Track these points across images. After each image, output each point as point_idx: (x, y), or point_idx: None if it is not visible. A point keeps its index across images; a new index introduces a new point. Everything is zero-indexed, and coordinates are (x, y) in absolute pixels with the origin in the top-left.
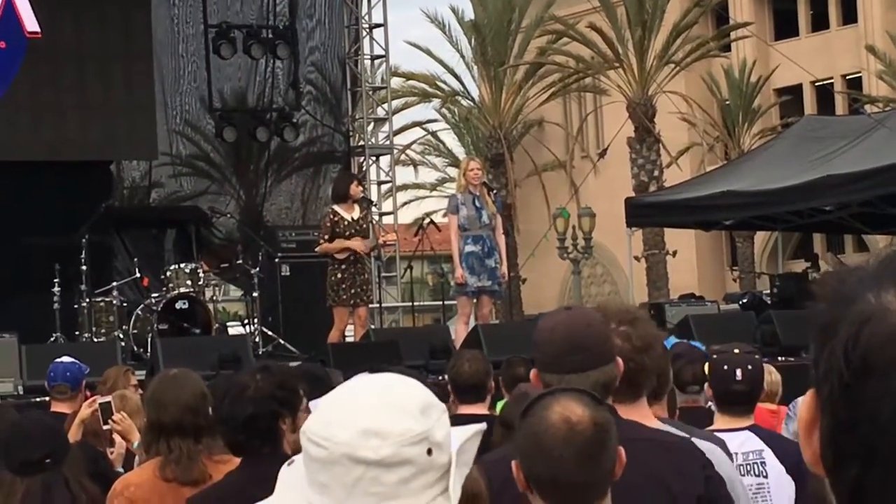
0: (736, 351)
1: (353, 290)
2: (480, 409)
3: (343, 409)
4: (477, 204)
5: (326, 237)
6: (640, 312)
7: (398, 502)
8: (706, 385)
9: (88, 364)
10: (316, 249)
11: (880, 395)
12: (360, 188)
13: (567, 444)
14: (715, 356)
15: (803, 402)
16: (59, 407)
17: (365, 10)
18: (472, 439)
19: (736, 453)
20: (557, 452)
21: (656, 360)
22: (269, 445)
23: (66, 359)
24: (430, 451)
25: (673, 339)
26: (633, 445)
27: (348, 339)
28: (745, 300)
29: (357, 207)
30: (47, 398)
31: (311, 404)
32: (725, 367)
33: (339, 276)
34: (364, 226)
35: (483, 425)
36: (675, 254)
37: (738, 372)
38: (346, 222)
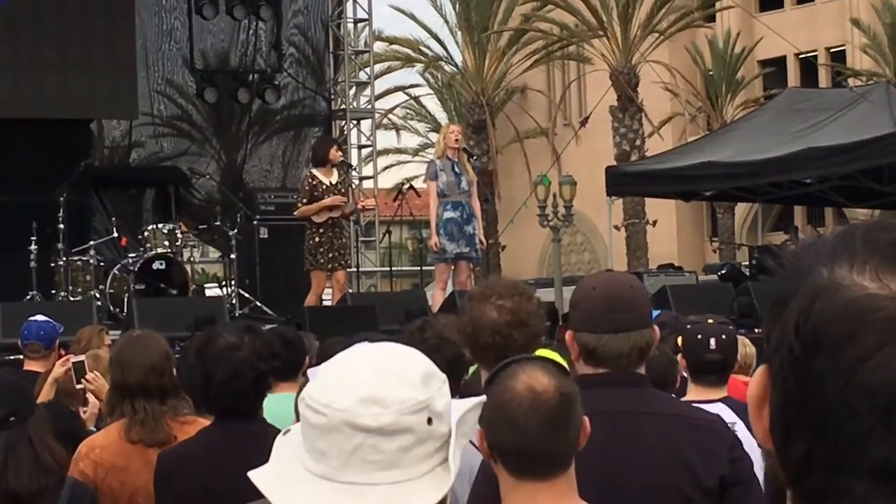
0: (710, 321)
1: (330, 255)
2: None
3: (343, 376)
4: (456, 170)
5: (305, 200)
6: (523, 289)
7: (397, 471)
8: (679, 355)
9: (63, 323)
10: (294, 213)
11: (829, 369)
12: (340, 153)
13: (532, 412)
14: (689, 326)
15: (754, 378)
16: (32, 365)
17: None
18: (472, 410)
19: None
20: (522, 421)
21: (528, 336)
22: (250, 405)
23: (39, 317)
24: (430, 421)
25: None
26: (660, 420)
27: (326, 304)
28: (723, 271)
29: (336, 172)
30: (21, 356)
31: (311, 371)
32: (699, 336)
33: (317, 239)
34: (343, 190)
35: (482, 398)
36: (655, 223)
37: (712, 341)
38: (324, 186)
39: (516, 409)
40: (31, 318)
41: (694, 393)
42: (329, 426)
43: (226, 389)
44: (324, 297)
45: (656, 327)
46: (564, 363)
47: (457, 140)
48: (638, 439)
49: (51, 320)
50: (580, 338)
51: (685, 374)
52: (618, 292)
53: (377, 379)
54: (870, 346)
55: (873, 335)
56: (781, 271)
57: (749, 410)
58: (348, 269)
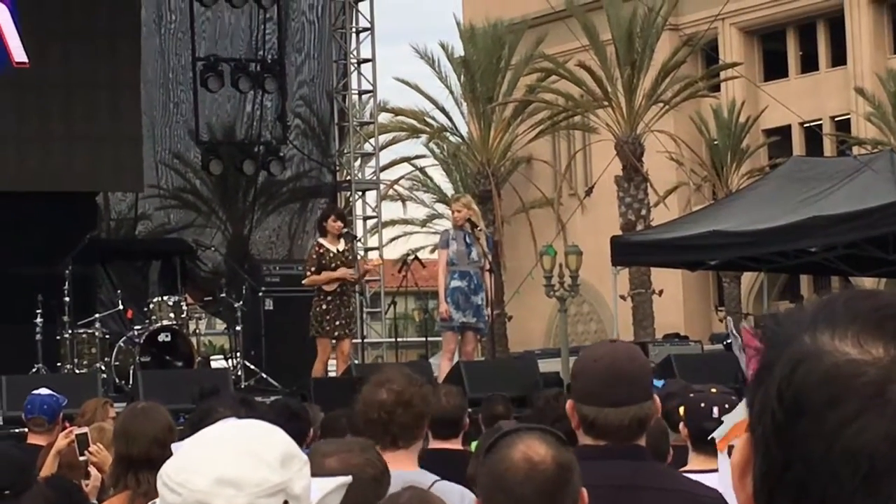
0: (713, 390)
1: (337, 322)
2: (454, 444)
3: (201, 455)
4: (468, 240)
5: (313, 269)
6: (415, 378)
7: None
8: (681, 425)
9: (69, 395)
10: (303, 282)
11: (812, 434)
12: (338, 223)
13: (528, 482)
14: (691, 395)
15: (737, 445)
16: (35, 439)
17: (353, 45)
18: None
19: None
20: (518, 491)
21: (411, 417)
22: None
23: (43, 391)
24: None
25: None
26: (661, 495)
27: (331, 373)
28: (728, 341)
29: (342, 240)
30: (25, 429)
31: (173, 447)
32: (702, 404)
33: (325, 307)
34: (349, 257)
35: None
36: (661, 293)
37: (715, 410)
38: (331, 254)
39: (512, 478)
40: (35, 392)
41: (695, 462)
42: None
43: None
44: (329, 366)
45: (657, 398)
46: None
47: (458, 217)
48: None
49: (54, 393)
50: (580, 409)
51: (688, 444)
52: (618, 365)
53: (234, 460)
54: (851, 411)
55: (855, 400)
56: (764, 340)
57: (733, 478)
58: (353, 340)
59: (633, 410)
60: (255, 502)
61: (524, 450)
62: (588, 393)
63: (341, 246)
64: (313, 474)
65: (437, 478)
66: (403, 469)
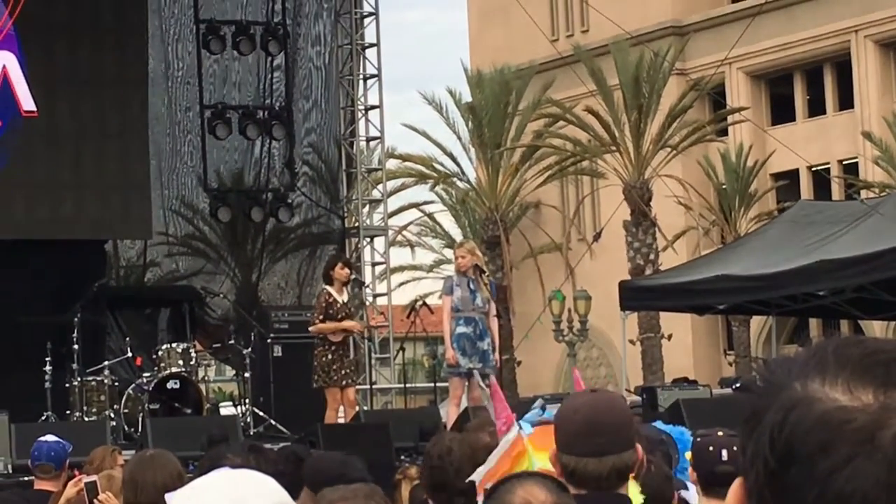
0: (720, 433)
1: (343, 371)
2: None
3: None
4: (471, 287)
5: (321, 317)
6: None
7: None
8: (689, 469)
9: (77, 443)
10: (310, 329)
11: (804, 481)
12: (346, 270)
13: None
14: (698, 439)
15: (731, 490)
16: (42, 485)
17: (361, 91)
18: None
19: None
20: None
21: None
22: None
23: (50, 437)
24: None
25: (660, 425)
26: None
27: (340, 420)
28: (737, 384)
29: (345, 290)
30: (32, 477)
31: (167, 496)
32: (710, 448)
33: (330, 356)
34: (351, 309)
35: None
36: (670, 337)
37: (724, 452)
38: (338, 304)
39: None
40: (41, 439)
41: None
42: None
43: None
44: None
45: (639, 448)
46: None
47: (462, 263)
48: None
49: (61, 440)
50: (561, 458)
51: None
52: (598, 416)
53: None
54: (842, 456)
55: (846, 446)
56: (755, 387)
57: None
58: (360, 386)
59: (612, 460)
60: None
61: (524, 496)
62: (568, 443)
63: (345, 297)
64: None
65: None
66: None
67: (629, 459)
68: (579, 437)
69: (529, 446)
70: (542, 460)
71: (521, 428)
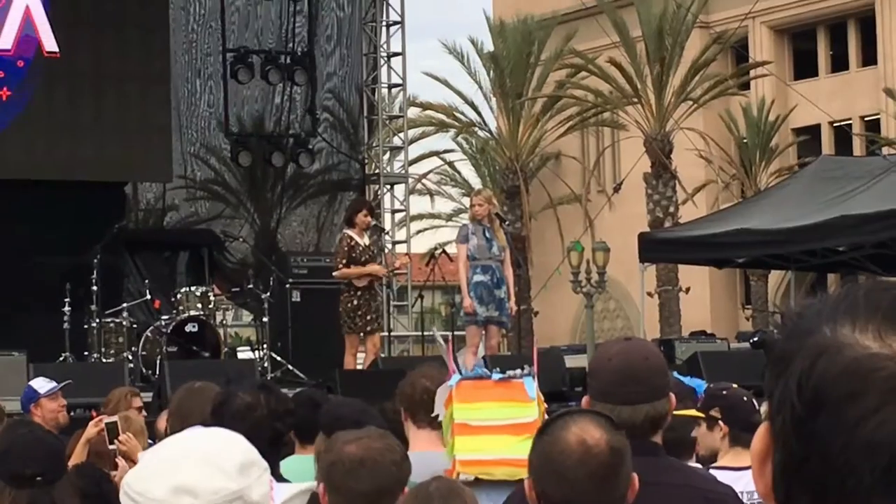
0: (734, 386)
1: (368, 317)
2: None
3: (160, 464)
4: (487, 235)
5: (344, 261)
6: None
7: None
8: (719, 423)
9: (96, 384)
10: (334, 274)
11: (831, 428)
12: (368, 218)
13: (581, 465)
14: (725, 392)
15: (756, 435)
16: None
17: (383, 38)
18: (295, 498)
19: (742, 492)
20: (571, 474)
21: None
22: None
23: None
24: None
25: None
26: (671, 491)
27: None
28: (755, 339)
29: (365, 235)
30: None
31: (139, 455)
32: (745, 398)
33: (356, 302)
34: (374, 251)
35: (311, 484)
36: (688, 290)
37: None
38: (360, 248)
39: (566, 461)
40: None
41: (731, 457)
42: None
43: None
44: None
45: (672, 396)
46: None
47: (478, 211)
48: None
49: (31, 384)
50: (594, 406)
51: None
52: (633, 365)
53: (192, 468)
54: (871, 405)
55: (875, 394)
56: (784, 331)
57: (752, 467)
58: (381, 333)
59: (645, 409)
60: None
61: (578, 433)
62: (602, 391)
63: (366, 240)
64: (332, 461)
65: None
66: (433, 449)
67: (662, 409)
68: (613, 386)
69: (454, 397)
70: (460, 411)
71: (451, 381)
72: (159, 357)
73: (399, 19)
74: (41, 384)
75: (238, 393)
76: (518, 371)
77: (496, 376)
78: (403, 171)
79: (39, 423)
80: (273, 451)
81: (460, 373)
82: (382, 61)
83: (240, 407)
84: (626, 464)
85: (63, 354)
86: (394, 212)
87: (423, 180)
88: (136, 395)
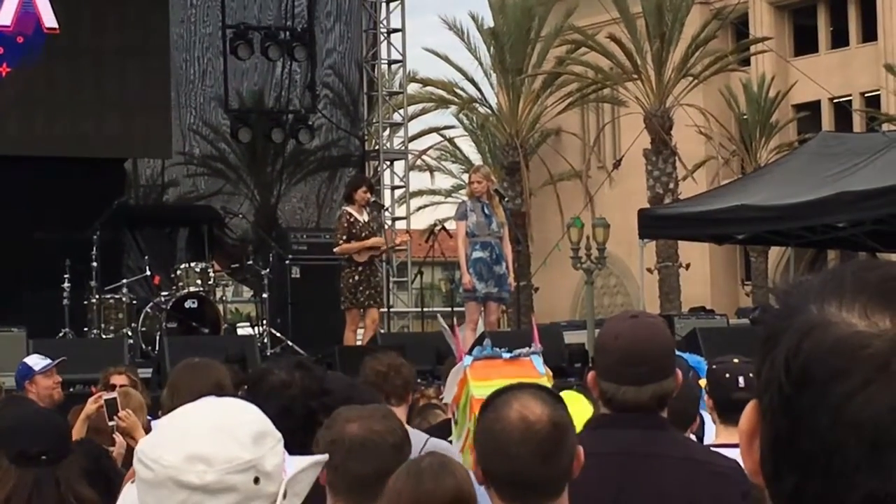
0: (735, 360)
1: (368, 292)
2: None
3: (174, 432)
4: (486, 211)
5: (344, 237)
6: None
7: None
8: (706, 396)
9: (95, 360)
10: (335, 250)
11: (818, 406)
12: (368, 195)
13: (524, 441)
14: (714, 366)
15: (745, 412)
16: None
17: (383, 14)
18: (307, 470)
19: None
20: (514, 450)
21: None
22: (300, 442)
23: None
24: (257, 480)
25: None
26: (674, 464)
27: (358, 342)
28: (754, 315)
29: (364, 211)
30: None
31: (153, 423)
32: (727, 374)
33: (357, 278)
34: (374, 227)
35: (324, 457)
36: (688, 266)
37: (741, 379)
38: (360, 224)
39: (508, 437)
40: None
41: (724, 435)
42: (156, 481)
43: (276, 427)
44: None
45: (679, 373)
46: (590, 406)
47: (476, 189)
48: (650, 483)
49: (25, 361)
50: (601, 384)
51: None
52: (639, 345)
53: (206, 437)
54: (857, 382)
55: (861, 372)
56: (772, 309)
57: (741, 444)
58: (381, 309)
59: (651, 388)
60: (225, 478)
61: (520, 409)
62: (607, 370)
63: (366, 216)
64: (333, 439)
65: (428, 436)
66: None
67: (669, 388)
68: (619, 366)
69: (469, 376)
70: (477, 388)
71: (466, 362)
72: (159, 333)
73: None
74: (36, 361)
75: (273, 370)
76: (526, 349)
77: (506, 355)
78: (403, 148)
79: (34, 399)
80: (307, 428)
81: (471, 354)
82: (382, 37)
83: (274, 384)
84: (569, 438)
85: (63, 330)
86: (393, 188)
87: (423, 156)
88: (121, 373)
